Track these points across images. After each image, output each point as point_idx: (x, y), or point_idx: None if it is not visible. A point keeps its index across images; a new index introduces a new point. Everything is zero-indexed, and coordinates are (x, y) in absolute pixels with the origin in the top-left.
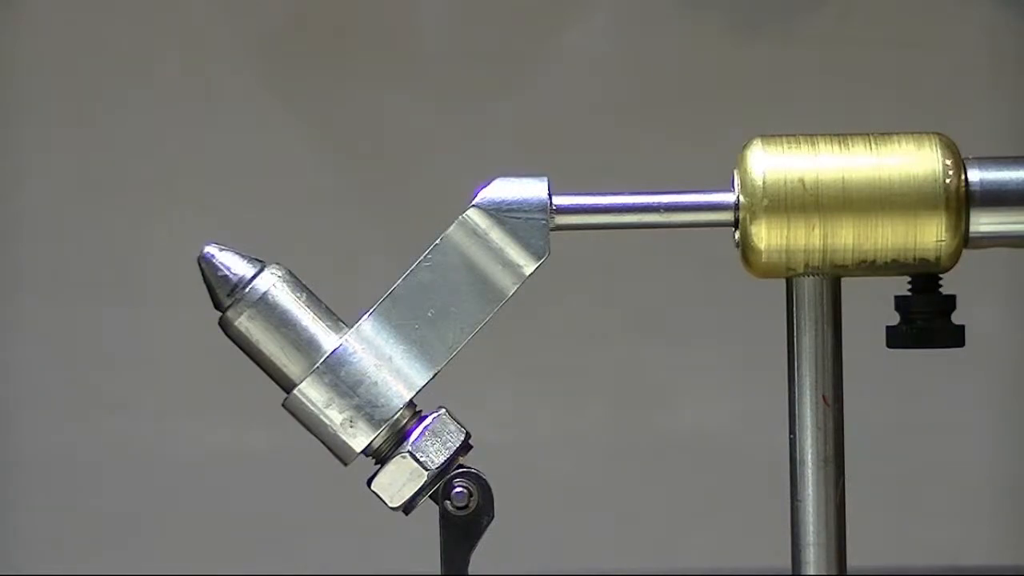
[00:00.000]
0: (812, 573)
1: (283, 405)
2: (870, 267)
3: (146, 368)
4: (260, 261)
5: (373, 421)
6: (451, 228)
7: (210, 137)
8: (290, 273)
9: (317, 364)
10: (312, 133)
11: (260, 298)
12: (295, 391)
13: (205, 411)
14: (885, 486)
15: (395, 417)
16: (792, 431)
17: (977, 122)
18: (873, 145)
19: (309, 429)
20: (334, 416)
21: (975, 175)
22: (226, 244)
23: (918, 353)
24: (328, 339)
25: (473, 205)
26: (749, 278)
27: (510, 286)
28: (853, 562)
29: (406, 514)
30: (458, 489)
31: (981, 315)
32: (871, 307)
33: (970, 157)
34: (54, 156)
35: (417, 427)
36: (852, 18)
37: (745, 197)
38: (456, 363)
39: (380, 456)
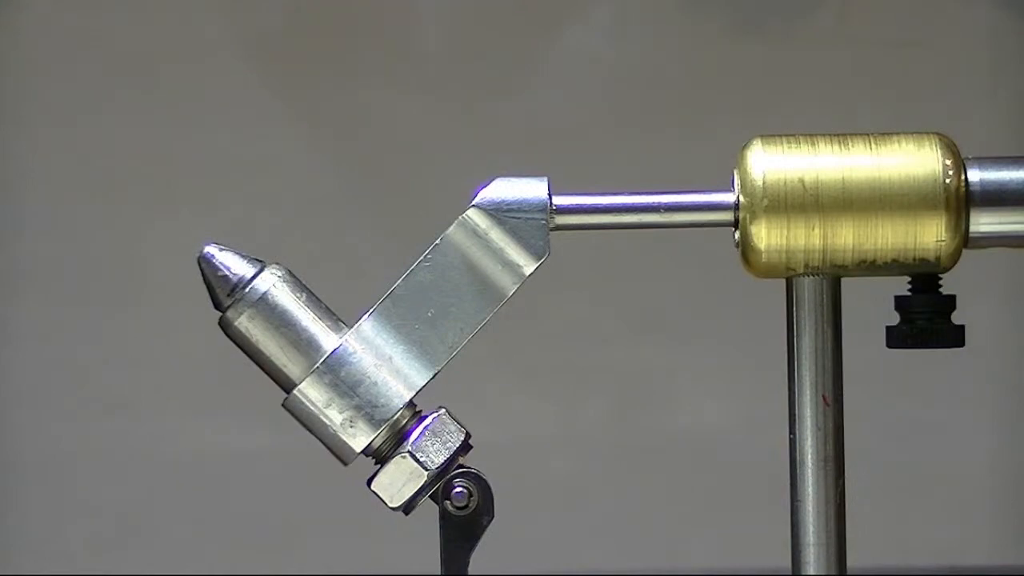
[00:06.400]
0: (812, 573)
1: (283, 405)
2: (870, 267)
3: (146, 368)
4: (260, 261)
5: (373, 421)
6: (451, 228)
7: (210, 137)
8: (290, 273)
9: (317, 364)
10: (312, 133)
11: (260, 298)
12: (295, 391)
13: (205, 411)
14: (885, 486)
15: (395, 417)
16: (792, 431)
17: (977, 122)
18: (873, 145)
19: (309, 429)
20: (334, 416)
21: (975, 175)
22: (226, 244)
23: (918, 353)
24: (328, 339)
25: (473, 205)
26: (749, 278)
27: (510, 286)
28: (853, 562)
29: (406, 514)
30: (458, 489)
31: (981, 315)
32: (871, 307)
33: (970, 157)
34: (54, 156)
35: (417, 427)
36: (852, 18)
37: (745, 197)
38: (456, 363)
39: (380, 456)
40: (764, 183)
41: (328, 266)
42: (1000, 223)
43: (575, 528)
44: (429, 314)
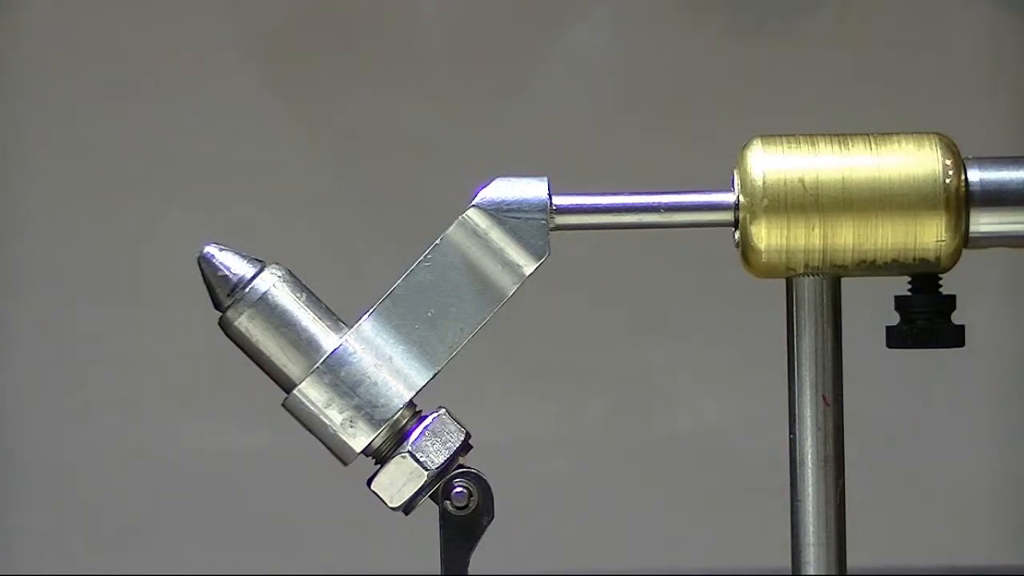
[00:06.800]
0: (812, 573)
1: (283, 405)
2: (870, 267)
3: (146, 368)
4: (260, 261)
5: (373, 421)
6: (451, 228)
7: (210, 137)
8: (290, 273)
9: (317, 364)
10: (312, 133)
11: (260, 298)
12: (295, 391)
13: (205, 411)
14: (885, 486)
15: (395, 417)
16: (792, 431)
17: (977, 122)
18: (873, 145)
19: (309, 429)
20: (334, 416)
21: (975, 175)
22: (226, 244)
23: (918, 353)
24: (328, 339)
25: (473, 205)
26: (749, 278)
27: (510, 286)
28: (853, 562)
29: (406, 514)
30: (458, 489)
31: (981, 315)
32: (871, 307)
33: (970, 157)
34: (54, 156)
35: (417, 427)
36: (852, 18)
37: (745, 197)
38: (456, 363)
39: (380, 456)
40: (764, 183)
41: (328, 266)
42: (1000, 223)
43: (575, 528)
44: (429, 314)
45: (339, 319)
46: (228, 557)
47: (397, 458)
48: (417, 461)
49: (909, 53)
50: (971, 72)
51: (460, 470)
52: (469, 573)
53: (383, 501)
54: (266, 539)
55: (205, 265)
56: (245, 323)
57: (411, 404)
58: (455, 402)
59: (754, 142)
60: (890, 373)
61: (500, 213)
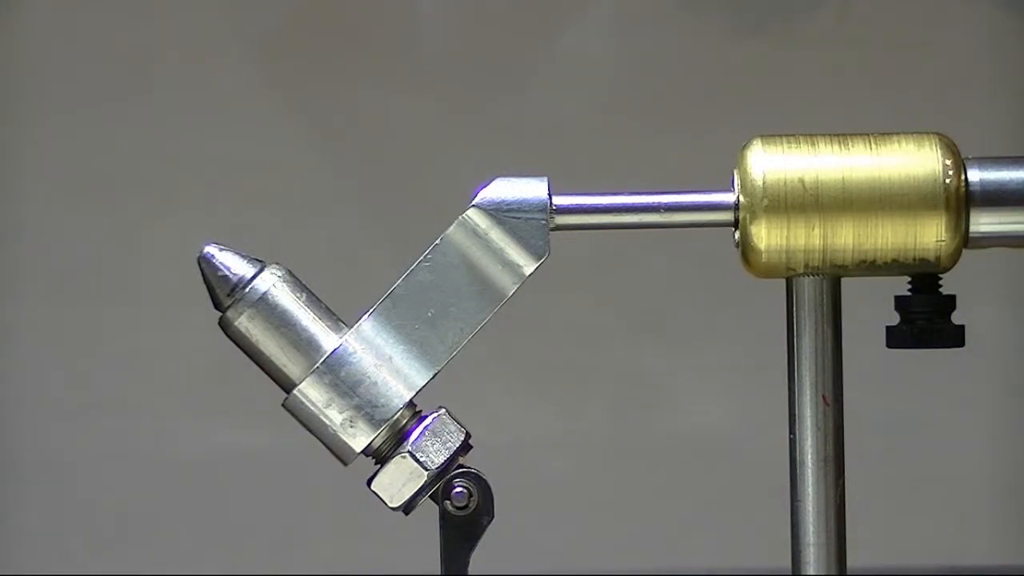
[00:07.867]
0: (812, 573)
1: (283, 405)
2: (870, 267)
3: (146, 368)
4: (260, 261)
5: (373, 421)
6: (451, 228)
7: (210, 137)
8: (290, 273)
9: (317, 364)
10: (312, 133)
11: (260, 298)
12: (295, 391)
13: (205, 411)
14: (885, 486)
15: (395, 417)
16: (792, 431)
17: (977, 122)
18: (873, 145)
19: (309, 429)
20: (334, 416)
21: (975, 175)
22: (226, 244)
23: (918, 353)
24: (328, 339)
25: (473, 205)
26: (749, 278)
27: (510, 286)
28: (853, 562)
29: (406, 514)
30: (458, 489)
31: (981, 315)
32: (871, 307)
33: (970, 157)
34: (54, 156)
35: (417, 427)
36: (852, 18)
37: (745, 197)
38: (456, 363)
39: (380, 456)
40: (764, 183)
41: (328, 266)
42: (1000, 223)
43: (575, 528)
44: (429, 314)
45: (339, 319)
46: (228, 557)
47: (397, 458)
48: (417, 461)
49: (909, 53)
50: (971, 72)
51: (460, 470)
52: (469, 573)
53: (383, 501)
54: (266, 539)
55: (205, 265)
56: (245, 323)
57: (411, 404)
58: (455, 402)
59: (754, 142)
60: (890, 373)
61: (500, 213)
